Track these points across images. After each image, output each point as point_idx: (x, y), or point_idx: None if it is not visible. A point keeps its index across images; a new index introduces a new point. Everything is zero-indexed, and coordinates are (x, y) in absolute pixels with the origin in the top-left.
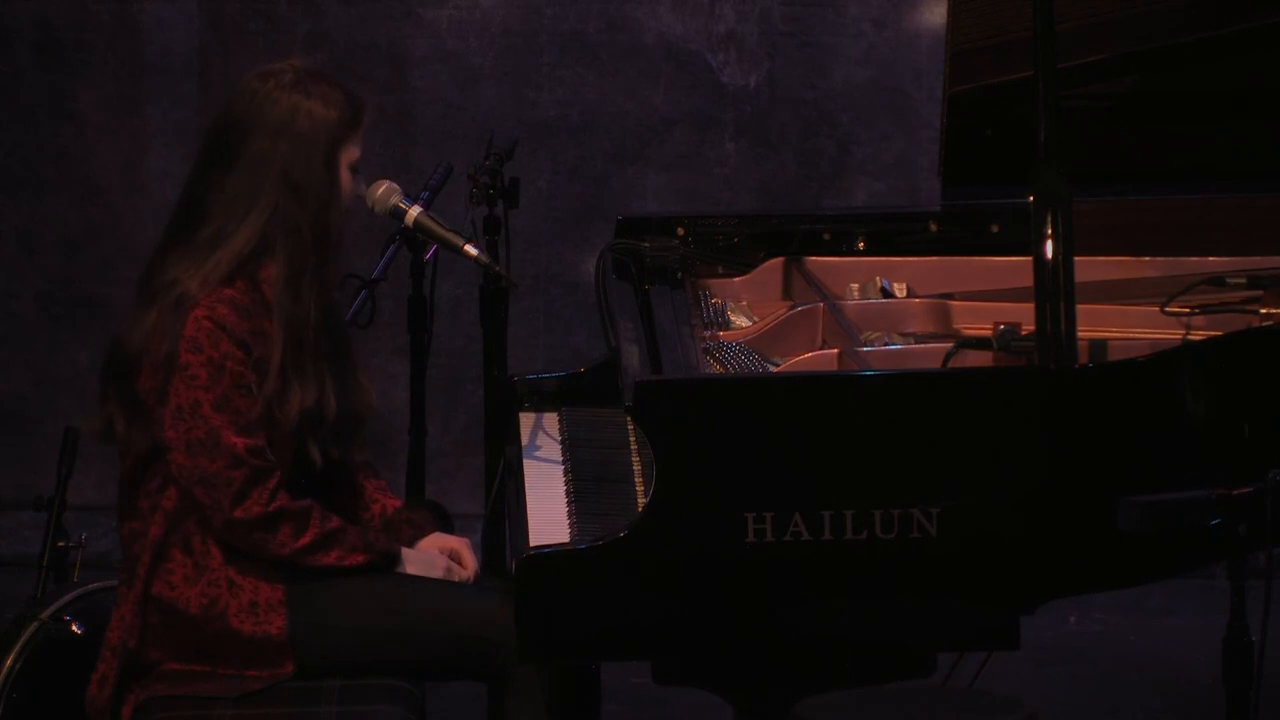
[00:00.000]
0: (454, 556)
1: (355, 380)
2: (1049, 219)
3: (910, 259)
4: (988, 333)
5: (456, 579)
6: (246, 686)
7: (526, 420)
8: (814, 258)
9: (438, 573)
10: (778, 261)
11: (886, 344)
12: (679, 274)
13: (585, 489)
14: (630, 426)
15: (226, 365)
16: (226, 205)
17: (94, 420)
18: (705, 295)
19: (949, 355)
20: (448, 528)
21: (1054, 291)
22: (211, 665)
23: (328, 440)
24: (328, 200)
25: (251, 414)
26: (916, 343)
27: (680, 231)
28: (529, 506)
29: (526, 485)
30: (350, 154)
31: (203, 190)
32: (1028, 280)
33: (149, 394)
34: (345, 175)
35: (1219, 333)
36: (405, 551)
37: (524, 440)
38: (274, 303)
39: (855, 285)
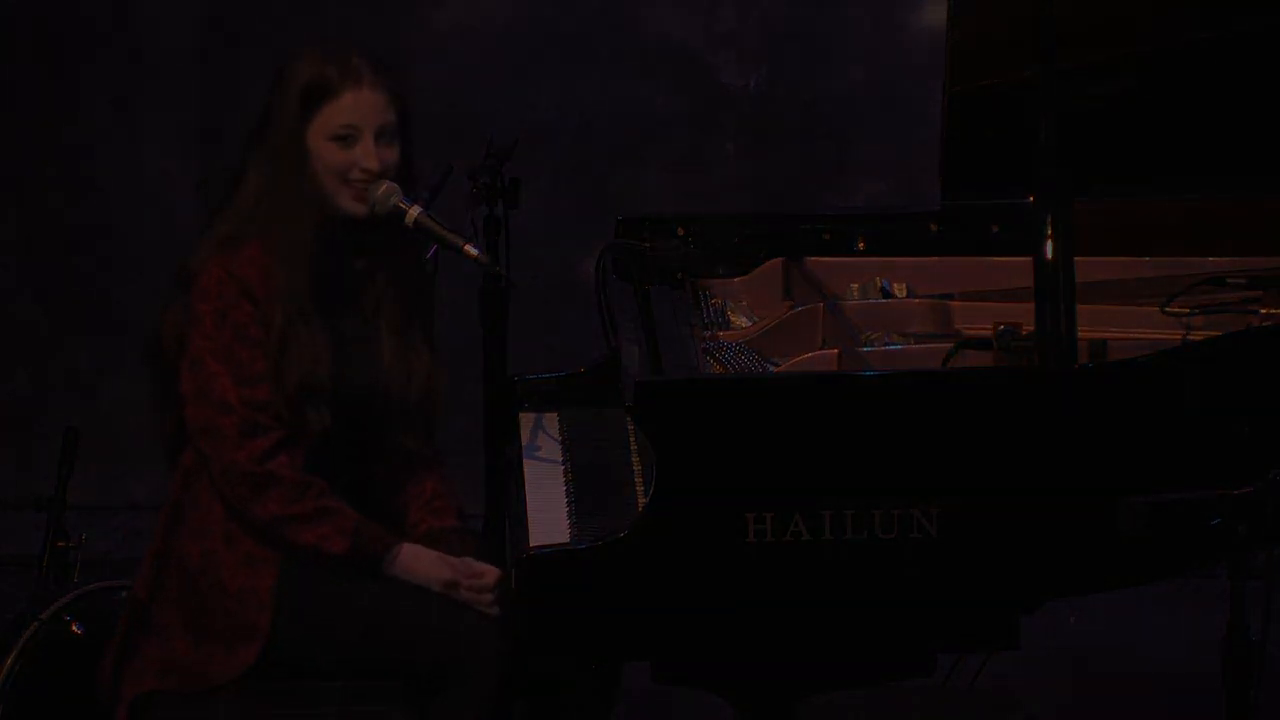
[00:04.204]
0: (478, 583)
1: (399, 357)
2: (1049, 219)
3: (910, 259)
4: (988, 333)
5: (464, 596)
6: (229, 671)
7: (526, 420)
8: (814, 258)
9: (438, 579)
10: (778, 261)
11: (886, 344)
12: (679, 274)
13: (585, 489)
14: (630, 426)
15: (230, 315)
16: (233, 182)
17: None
18: (705, 295)
19: (949, 355)
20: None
21: (1054, 291)
22: (198, 637)
23: (328, 409)
24: (297, 164)
25: (254, 367)
26: (916, 343)
27: (680, 231)
28: (529, 506)
29: (526, 485)
30: (328, 120)
31: (234, 175)
32: (1028, 280)
33: (171, 353)
34: (321, 141)
35: (1219, 333)
36: (410, 548)
37: (524, 440)
38: (273, 270)
39: (855, 285)
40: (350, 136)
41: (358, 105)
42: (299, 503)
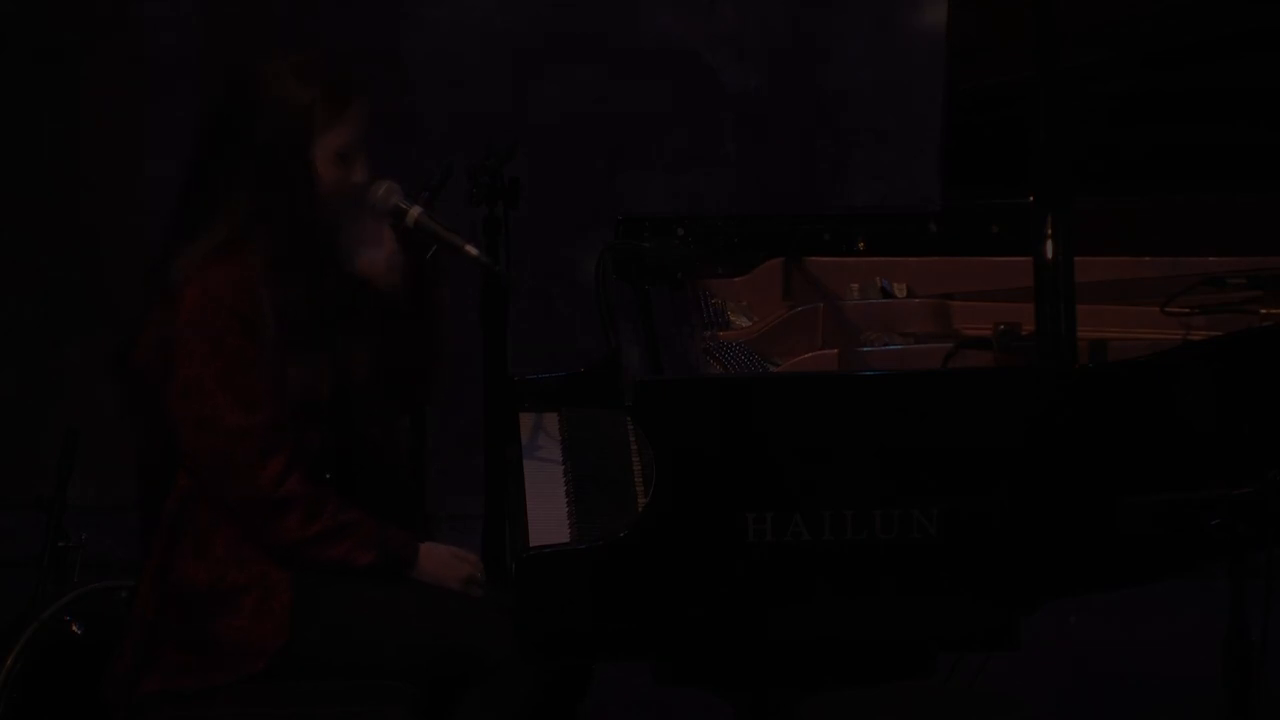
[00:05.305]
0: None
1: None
2: (1049, 219)
3: (910, 259)
4: (988, 333)
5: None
6: (242, 671)
7: (526, 420)
8: (814, 258)
9: (456, 577)
10: (777, 261)
11: (886, 344)
12: (679, 274)
13: (585, 489)
14: (630, 426)
15: (225, 340)
16: (210, 195)
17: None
18: (705, 295)
19: (949, 355)
20: None
21: (1054, 291)
22: (209, 654)
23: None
24: (302, 187)
25: (254, 390)
26: (916, 343)
27: (680, 231)
28: (529, 506)
29: (526, 485)
30: (332, 141)
31: (195, 182)
32: (1028, 280)
33: (150, 373)
34: (326, 163)
35: (1219, 333)
36: (426, 547)
37: (524, 440)
38: (259, 287)
39: (855, 285)
40: (350, 155)
41: (359, 121)
42: (318, 520)
